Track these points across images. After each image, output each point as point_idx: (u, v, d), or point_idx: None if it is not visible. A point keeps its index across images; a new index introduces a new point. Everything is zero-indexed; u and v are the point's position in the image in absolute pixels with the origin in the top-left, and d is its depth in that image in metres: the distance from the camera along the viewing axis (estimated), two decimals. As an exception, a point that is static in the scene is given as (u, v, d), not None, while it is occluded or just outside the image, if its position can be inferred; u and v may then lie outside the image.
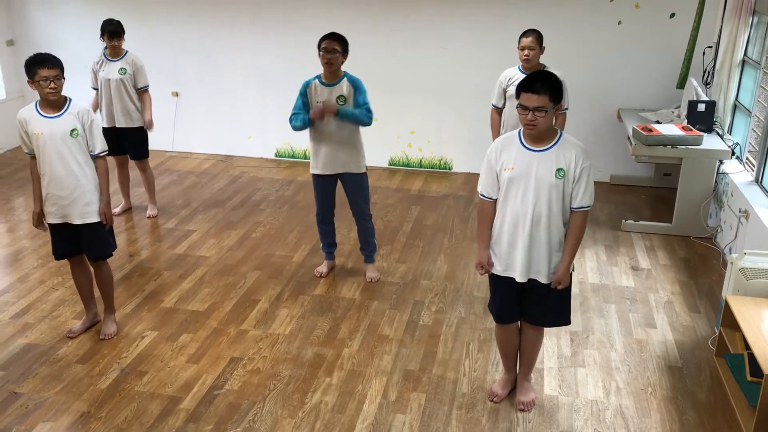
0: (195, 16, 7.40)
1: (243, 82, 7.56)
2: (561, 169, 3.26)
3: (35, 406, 3.68)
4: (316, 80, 4.64)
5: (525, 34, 5.05)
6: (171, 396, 3.78)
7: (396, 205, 6.49)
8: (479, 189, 3.46)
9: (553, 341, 4.32)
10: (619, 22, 6.65)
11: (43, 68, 3.81)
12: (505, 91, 5.17)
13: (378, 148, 7.41)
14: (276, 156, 7.77)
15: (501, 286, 3.52)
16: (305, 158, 7.69)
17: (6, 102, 7.91)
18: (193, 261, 5.34)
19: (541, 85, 3.16)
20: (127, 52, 5.79)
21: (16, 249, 5.53)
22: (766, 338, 3.58)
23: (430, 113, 7.21)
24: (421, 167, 7.41)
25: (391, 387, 3.87)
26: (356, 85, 4.64)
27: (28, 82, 3.88)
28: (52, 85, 3.83)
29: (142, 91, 5.86)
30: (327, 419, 3.62)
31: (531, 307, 3.56)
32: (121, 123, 5.82)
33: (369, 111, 4.62)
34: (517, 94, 3.22)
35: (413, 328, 4.46)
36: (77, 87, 7.85)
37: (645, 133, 5.64)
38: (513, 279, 3.43)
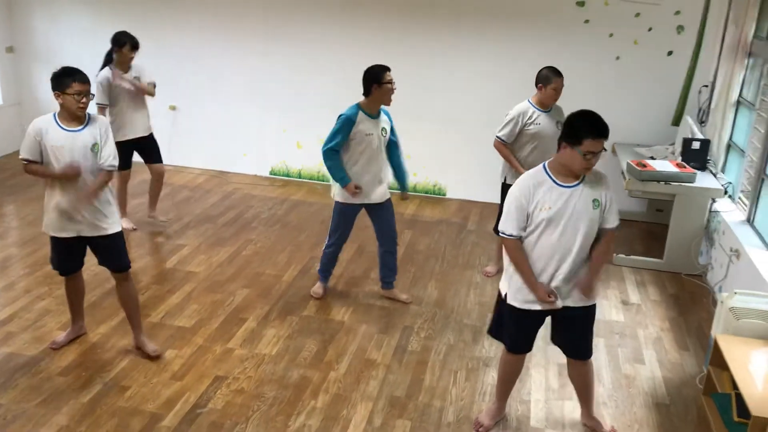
0: (197, 31, 7.43)
1: (242, 99, 7.58)
2: (596, 200, 3.31)
3: (13, 418, 3.62)
4: (361, 112, 4.63)
5: (558, 73, 5.02)
6: (153, 413, 3.72)
7: (388, 228, 6.47)
8: (507, 229, 3.35)
9: (540, 373, 4.29)
10: (618, 58, 6.72)
11: (77, 82, 3.78)
12: (522, 129, 5.10)
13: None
14: (271, 174, 7.77)
15: (521, 316, 3.48)
16: (299, 177, 7.69)
17: (2, 108, 7.89)
18: (181, 276, 5.30)
19: (607, 130, 3.19)
20: (133, 64, 5.78)
21: (3, 256, 5.48)
22: (754, 379, 3.57)
23: (426, 139, 7.23)
24: (415, 192, 7.41)
25: (377, 413, 3.83)
26: (391, 120, 4.83)
27: (55, 93, 3.80)
28: (84, 99, 3.81)
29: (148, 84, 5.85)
30: (310, 443, 3.57)
31: (573, 341, 3.60)
32: (140, 132, 5.81)
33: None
34: (580, 140, 3.15)
35: (401, 354, 4.42)
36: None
37: (639, 168, 5.68)
38: (536, 311, 3.43)
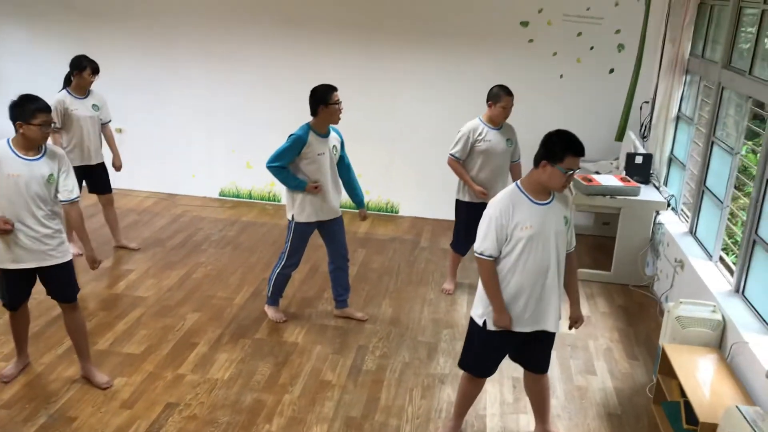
0: (143, 53, 7.33)
1: (189, 120, 7.49)
2: (566, 216, 3.39)
3: (-48, 455, 3.46)
4: (312, 132, 4.61)
5: (508, 92, 5.12)
6: (101, 444, 3.61)
7: (341, 247, 6.45)
8: (483, 250, 3.35)
9: (496, 388, 4.32)
10: (561, 76, 6.88)
11: (42, 112, 3.68)
12: (473, 146, 5.19)
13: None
14: (220, 195, 7.67)
15: (500, 341, 3.48)
16: (250, 198, 7.62)
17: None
18: (130, 301, 5.17)
19: (584, 148, 3.26)
20: (92, 89, 5.68)
21: (-60, 286, 5.25)
22: (701, 386, 3.66)
23: (378, 157, 7.26)
24: (368, 210, 7.40)
25: (333, 434, 3.79)
26: (341, 136, 4.83)
27: (18, 124, 3.67)
28: (47, 130, 3.72)
29: (106, 126, 5.84)
30: (265, 468, 3.50)
31: (538, 357, 3.61)
32: (93, 160, 5.72)
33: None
34: (561, 158, 3.21)
35: (356, 374, 4.39)
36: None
37: (585, 183, 5.80)
38: (513, 334, 3.43)
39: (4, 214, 3.73)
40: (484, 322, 3.45)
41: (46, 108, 3.73)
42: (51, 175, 3.78)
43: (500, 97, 5.10)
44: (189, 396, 4.05)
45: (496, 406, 4.15)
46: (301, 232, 4.80)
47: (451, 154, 5.25)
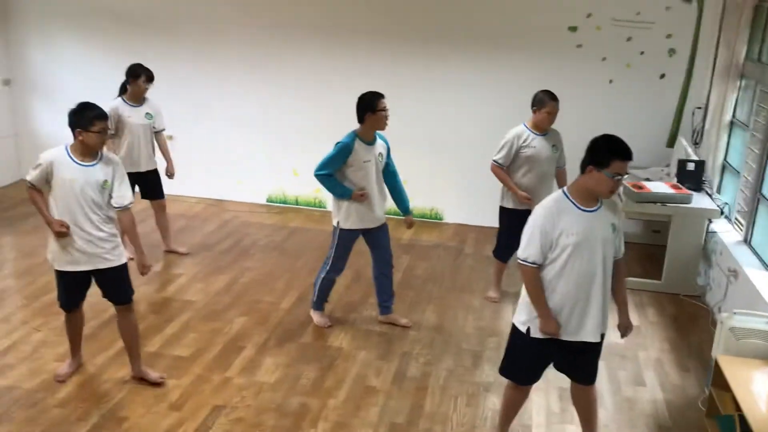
0: (191, 60, 7.48)
1: (236, 127, 7.61)
2: (614, 223, 3.34)
3: (10, 451, 3.58)
4: (358, 140, 4.64)
5: (553, 97, 5.05)
6: (151, 444, 3.68)
7: (386, 254, 6.46)
8: (527, 257, 3.31)
9: (541, 397, 4.26)
10: (611, 81, 6.78)
11: (100, 120, 3.82)
12: (518, 152, 5.14)
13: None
14: (267, 201, 7.77)
15: (543, 349, 3.44)
16: (297, 204, 7.70)
17: (-1, 140, 7.91)
18: (179, 305, 5.27)
19: (631, 152, 3.23)
20: (146, 98, 5.83)
21: (0, 288, 5.44)
22: (756, 400, 3.55)
23: (423, 163, 7.25)
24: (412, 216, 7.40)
25: (377, 440, 3.80)
26: (387, 143, 4.85)
27: (77, 131, 3.80)
28: (105, 136, 3.87)
29: (160, 134, 5.97)
30: (310, 472, 3.53)
31: (585, 367, 3.56)
32: (143, 167, 5.86)
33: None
34: (607, 163, 3.17)
35: (401, 380, 4.39)
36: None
37: (635, 190, 5.70)
38: (557, 342, 3.39)
39: (61, 217, 3.85)
40: (528, 329, 3.41)
41: (104, 115, 3.85)
42: (106, 181, 3.89)
43: (545, 102, 5.05)
44: (236, 399, 4.11)
45: (542, 416, 4.09)
46: (346, 239, 4.83)
47: (494, 161, 5.22)
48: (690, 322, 5.35)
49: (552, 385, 4.38)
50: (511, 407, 3.70)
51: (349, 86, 7.24)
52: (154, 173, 5.98)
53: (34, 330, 4.78)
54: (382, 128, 4.69)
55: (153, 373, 4.22)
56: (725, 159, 6.05)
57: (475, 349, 4.81)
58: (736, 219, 5.64)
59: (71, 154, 3.87)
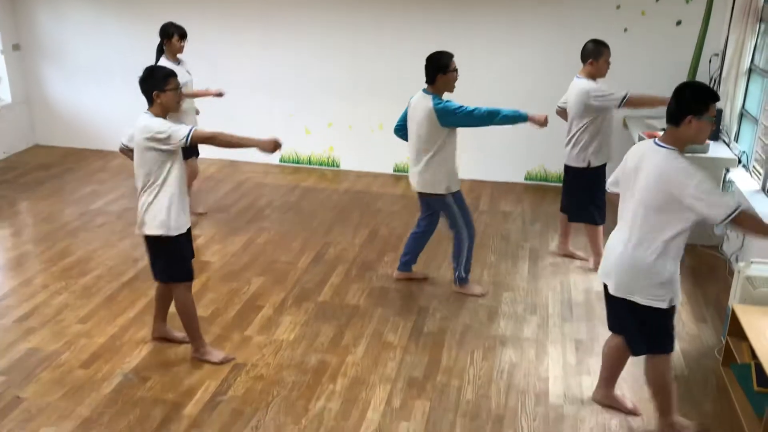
0: (204, 21, 7.40)
1: (249, 87, 7.56)
2: None
3: (38, 411, 3.67)
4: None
5: (606, 45, 4.95)
6: (174, 402, 3.76)
7: (401, 211, 6.47)
8: (733, 204, 3.10)
9: (558, 349, 4.29)
10: (625, 30, 6.64)
11: (172, 77, 3.77)
12: (590, 105, 4.91)
13: (384, 154, 7.41)
14: (281, 162, 7.77)
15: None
16: (309, 164, 7.69)
17: (12, 106, 7.91)
18: (197, 266, 5.27)
19: None
20: (180, 58, 5.82)
21: (20, 253, 5.53)
22: (773, 348, 3.55)
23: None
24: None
25: (395, 394, 3.85)
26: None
27: (154, 93, 3.73)
28: (180, 93, 3.83)
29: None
30: (330, 426, 3.60)
31: None
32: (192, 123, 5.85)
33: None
34: (706, 108, 3.12)
35: (417, 336, 4.43)
36: (83, 92, 7.89)
37: (651, 140, 5.61)
38: None
39: (179, 180, 3.84)
40: (672, 305, 3.32)
41: (173, 73, 3.80)
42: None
43: (601, 51, 4.93)
44: (256, 357, 4.17)
45: (559, 368, 4.12)
46: (459, 199, 4.75)
47: (622, 97, 4.86)
48: (707, 272, 5.33)
49: (568, 338, 4.41)
50: (671, 381, 3.53)
51: (357, 44, 7.18)
52: None
53: (55, 293, 4.86)
54: (451, 90, 4.55)
55: (177, 332, 4.28)
56: (743, 107, 5.94)
57: (491, 304, 4.83)
58: (753, 167, 5.57)
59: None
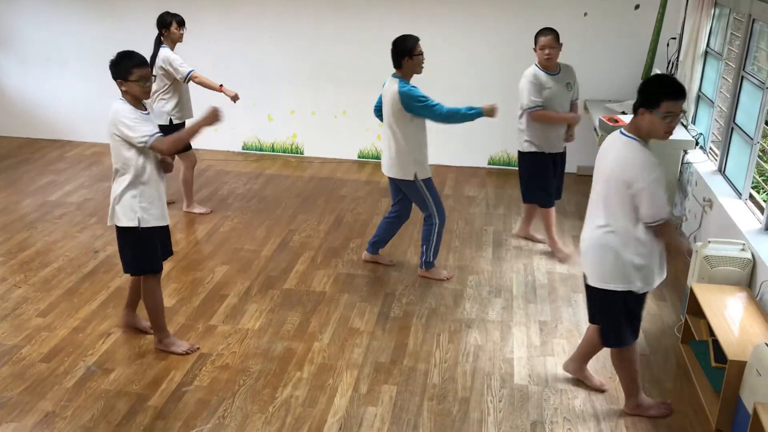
0: (162, 9, 7.25)
1: (210, 76, 7.39)
2: None
3: (-2, 407, 3.60)
4: None
5: (543, 32, 4.91)
6: (138, 393, 3.72)
7: (366, 198, 6.47)
8: (668, 213, 3.23)
9: (522, 331, 4.35)
10: (585, 14, 6.70)
11: (138, 67, 3.62)
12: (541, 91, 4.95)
13: (348, 140, 7.39)
14: (243, 149, 7.69)
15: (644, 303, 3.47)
16: (273, 151, 7.63)
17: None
18: (159, 256, 5.25)
19: (684, 90, 3.16)
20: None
21: (-24, 246, 5.39)
22: (729, 325, 3.65)
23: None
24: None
25: (362, 380, 3.86)
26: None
27: (118, 82, 3.63)
28: (147, 84, 3.67)
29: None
30: (298, 413, 3.60)
31: None
32: (191, 116, 5.78)
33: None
34: (658, 103, 3.08)
35: (384, 321, 4.45)
36: (37, 81, 7.69)
37: (611, 123, 5.69)
38: None
39: (153, 173, 3.75)
40: (640, 290, 3.36)
41: (142, 62, 3.66)
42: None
43: (537, 39, 4.93)
44: (221, 346, 4.14)
45: (523, 349, 4.18)
46: (430, 185, 4.75)
47: (530, 108, 4.94)
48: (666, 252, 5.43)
49: (532, 319, 4.47)
50: (637, 367, 3.58)
51: (317, 27, 7.13)
52: (183, 124, 5.82)
53: (14, 287, 4.76)
54: (419, 72, 4.56)
55: (146, 323, 4.21)
56: (700, 89, 6.05)
57: (456, 288, 4.87)
58: (710, 149, 5.69)
59: (131, 105, 3.69)
